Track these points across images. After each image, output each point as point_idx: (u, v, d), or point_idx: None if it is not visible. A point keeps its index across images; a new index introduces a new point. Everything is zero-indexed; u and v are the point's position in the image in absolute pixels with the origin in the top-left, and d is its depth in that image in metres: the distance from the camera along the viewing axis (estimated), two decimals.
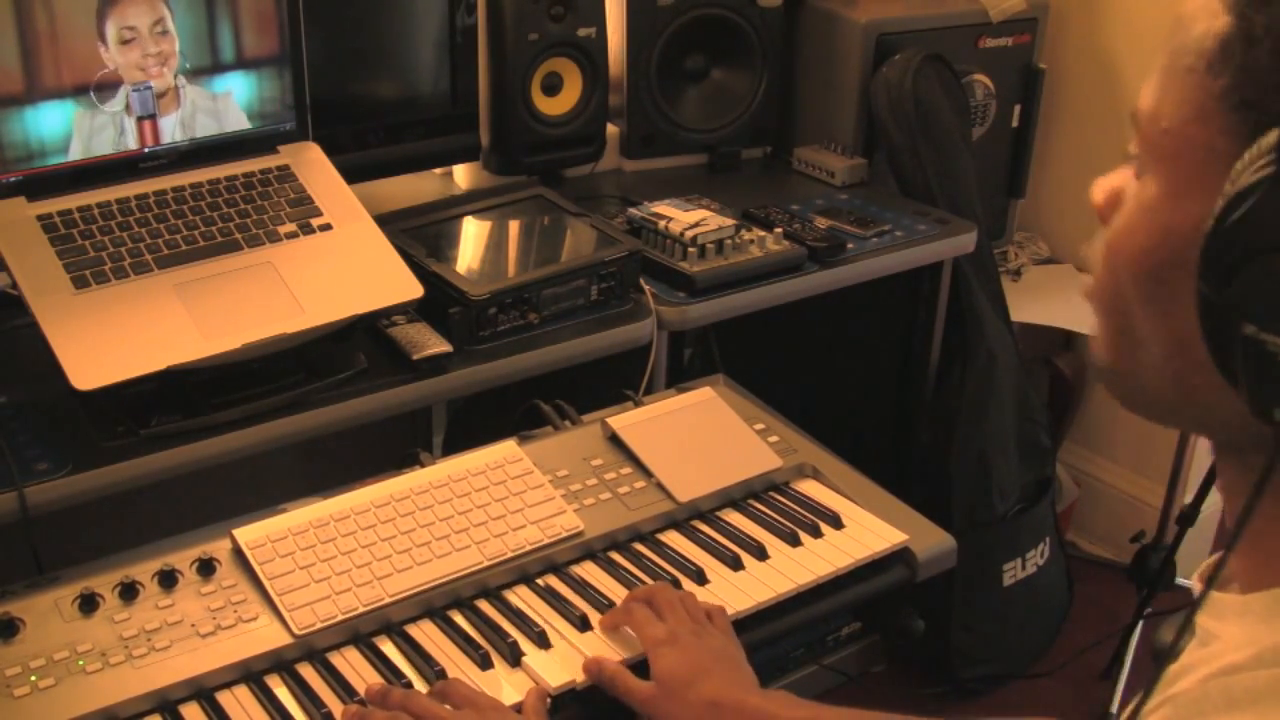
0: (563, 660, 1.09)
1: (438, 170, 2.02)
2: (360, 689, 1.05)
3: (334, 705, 1.03)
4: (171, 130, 1.40)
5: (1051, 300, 2.34)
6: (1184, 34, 0.61)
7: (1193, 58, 0.60)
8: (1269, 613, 0.63)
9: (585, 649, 1.11)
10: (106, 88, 1.34)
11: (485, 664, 1.08)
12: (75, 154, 1.34)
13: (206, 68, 1.41)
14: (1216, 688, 0.61)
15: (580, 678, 1.08)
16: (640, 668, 1.08)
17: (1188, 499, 2.16)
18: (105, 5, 1.32)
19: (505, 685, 1.06)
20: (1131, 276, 0.65)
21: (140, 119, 1.38)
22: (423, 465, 1.29)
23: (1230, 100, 0.58)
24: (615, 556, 1.24)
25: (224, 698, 1.04)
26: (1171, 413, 0.68)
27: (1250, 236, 0.55)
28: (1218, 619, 0.66)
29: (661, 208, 1.75)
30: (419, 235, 1.58)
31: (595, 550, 1.24)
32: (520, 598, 1.18)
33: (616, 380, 1.51)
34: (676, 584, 1.19)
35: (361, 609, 1.11)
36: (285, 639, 1.08)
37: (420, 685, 1.06)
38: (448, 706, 1.01)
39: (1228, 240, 0.56)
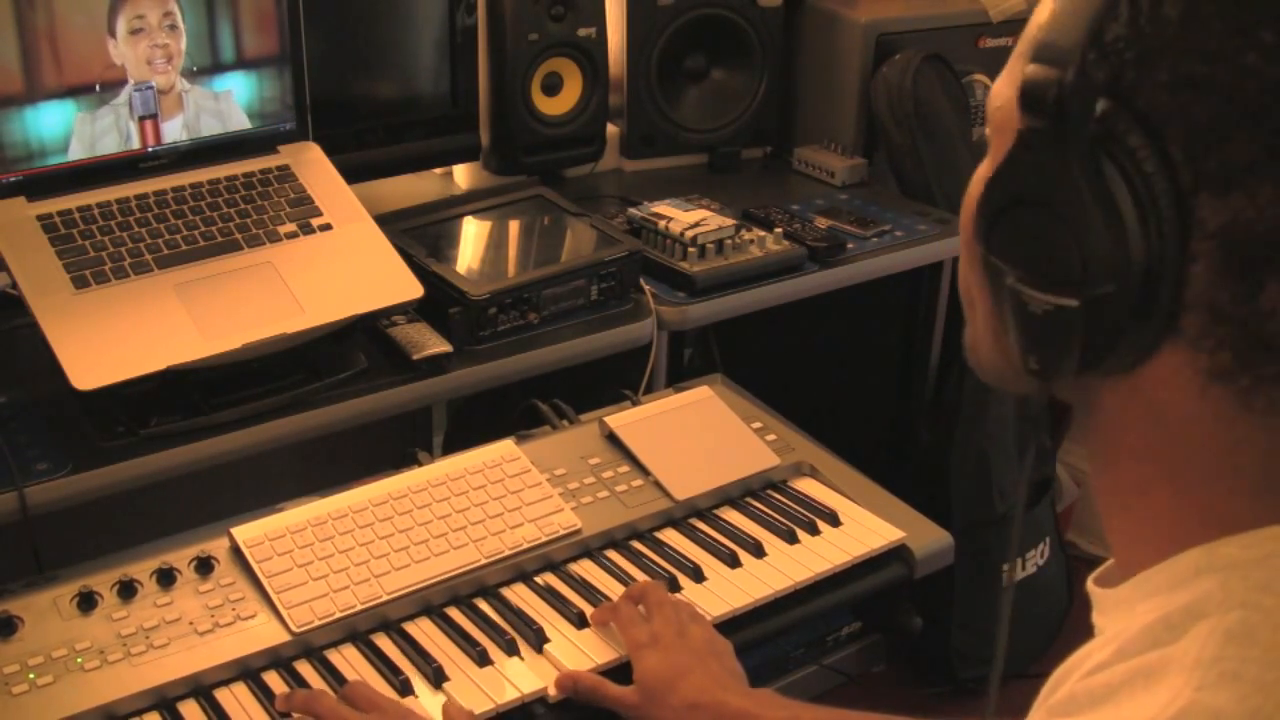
0: (563, 657, 1.10)
1: (438, 170, 2.02)
2: None
3: None
4: (172, 130, 1.40)
5: None
6: (1027, 28, 0.66)
7: (1025, 45, 0.65)
8: (1128, 603, 0.64)
9: (583, 647, 1.11)
10: (108, 87, 1.35)
11: (483, 661, 1.08)
12: (75, 154, 1.35)
13: (207, 67, 1.41)
14: (1083, 688, 0.61)
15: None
16: (627, 668, 1.08)
17: None
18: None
19: (505, 683, 1.07)
20: (964, 244, 0.69)
21: (141, 119, 1.38)
22: (421, 465, 1.29)
23: None
24: (613, 555, 1.24)
25: (222, 695, 1.05)
26: (1006, 378, 0.71)
27: (1002, 192, 0.62)
28: (1104, 615, 0.67)
29: (661, 208, 1.75)
30: (419, 235, 1.58)
31: (593, 548, 1.25)
32: (518, 595, 1.18)
33: (616, 380, 1.52)
34: (674, 582, 1.19)
35: (359, 607, 1.11)
36: (283, 637, 1.08)
37: (419, 683, 1.06)
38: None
39: (989, 197, 0.63)
